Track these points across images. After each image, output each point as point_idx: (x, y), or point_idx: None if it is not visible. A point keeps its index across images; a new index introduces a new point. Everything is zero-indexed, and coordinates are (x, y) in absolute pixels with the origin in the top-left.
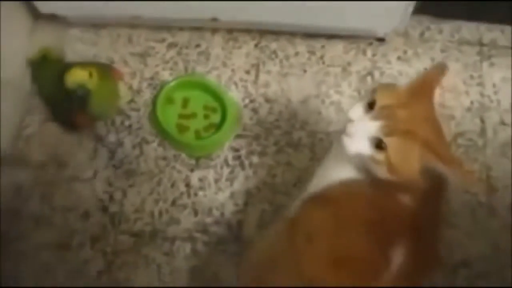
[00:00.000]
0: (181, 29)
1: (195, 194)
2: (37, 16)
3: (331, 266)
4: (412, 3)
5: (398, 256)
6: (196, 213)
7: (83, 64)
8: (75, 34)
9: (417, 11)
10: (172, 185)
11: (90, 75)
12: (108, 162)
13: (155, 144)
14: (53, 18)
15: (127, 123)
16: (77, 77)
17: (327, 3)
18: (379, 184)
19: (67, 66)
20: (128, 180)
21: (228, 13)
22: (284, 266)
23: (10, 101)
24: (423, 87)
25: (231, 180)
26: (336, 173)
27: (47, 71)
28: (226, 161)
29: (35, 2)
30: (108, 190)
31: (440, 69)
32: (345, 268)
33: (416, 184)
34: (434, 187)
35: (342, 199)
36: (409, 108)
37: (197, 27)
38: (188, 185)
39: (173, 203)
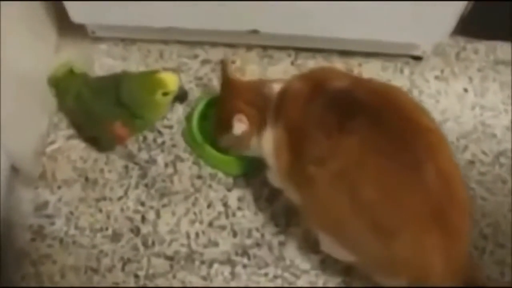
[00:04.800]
0: (214, 45)
1: (234, 215)
2: (63, 32)
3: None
4: (456, 16)
5: None
6: (235, 234)
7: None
8: (103, 49)
9: (453, 31)
10: (209, 205)
11: None
12: (139, 180)
13: (189, 162)
14: (79, 33)
15: (159, 140)
16: (175, 80)
17: (371, 15)
18: None
19: (117, 77)
20: (162, 200)
21: (269, 25)
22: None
23: (33, 117)
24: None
25: (271, 199)
26: None
27: (75, 85)
28: (265, 180)
29: (68, 11)
30: (139, 210)
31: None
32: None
33: None
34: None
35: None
36: None
37: (230, 44)
38: (225, 205)
39: (210, 224)
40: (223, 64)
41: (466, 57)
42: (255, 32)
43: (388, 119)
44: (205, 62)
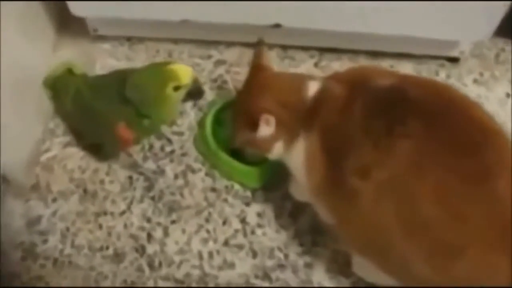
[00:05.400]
0: (229, 45)
1: (253, 232)
2: (62, 29)
3: None
4: (503, 13)
5: None
6: (254, 254)
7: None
8: (106, 49)
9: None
10: (224, 222)
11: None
12: (145, 193)
13: (202, 174)
14: (80, 31)
15: (168, 148)
16: (188, 72)
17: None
18: None
19: (121, 73)
20: (170, 216)
21: (293, 18)
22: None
23: (27, 122)
24: None
25: (295, 215)
26: None
27: (73, 84)
28: (288, 193)
29: (67, 3)
30: (145, 226)
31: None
32: None
33: None
34: None
35: None
36: None
37: (247, 43)
38: (243, 221)
39: (226, 243)
40: (259, 46)
41: (505, 59)
42: (277, 26)
43: (448, 120)
44: (219, 63)
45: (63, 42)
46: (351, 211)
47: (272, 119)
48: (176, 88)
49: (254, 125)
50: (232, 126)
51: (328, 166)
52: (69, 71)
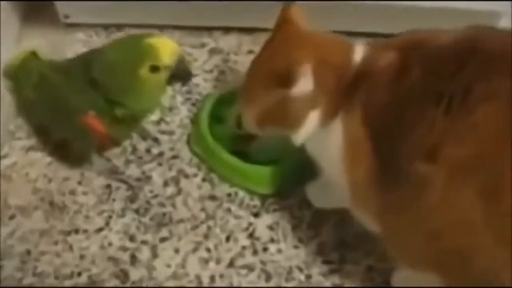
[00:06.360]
0: (226, 32)
1: (265, 250)
2: (28, 16)
3: None
4: None
5: None
6: (268, 277)
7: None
8: (80, 39)
9: None
10: (228, 237)
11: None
12: (127, 205)
13: (198, 179)
14: (49, 18)
15: (155, 150)
16: (171, 49)
17: None
18: None
19: (94, 52)
20: (160, 232)
21: None
22: None
23: None
24: None
25: (316, 226)
26: None
27: (38, 69)
28: (306, 198)
29: None
30: (128, 246)
31: None
32: None
33: None
34: None
35: None
36: None
37: (247, 28)
38: (252, 236)
39: (231, 263)
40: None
41: None
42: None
43: None
44: (214, 51)
45: (29, 32)
46: (414, 208)
47: (309, 70)
48: (154, 69)
49: (287, 81)
50: (241, 102)
51: (376, 154)
52: (33, 55)
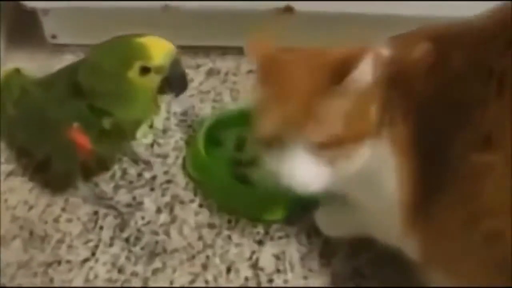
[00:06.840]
0: (223, 53)
1: (270, 281)
2: (12, 37)
3: None
4: None
5: None
6: None
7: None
8: (68, 60)
9: None
10: (229, 268)
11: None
12: (116, 234)
13: (194, 205)
14: (35, 39)
15: (147, 175)
16: (165, 48)
17: None
18: None
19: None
20: (152, 262)
21: None
22: None
23: None
24: None
25: (328, 254)
26: None
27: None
28: (314, 223)
29: None
30: (116, 278)
31: None
32: None
33: None
34: None
35: None
36: None
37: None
38: (255, 266)
39: None
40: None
41: None
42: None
43: None
44: (211, 72)
45: (14, 54)
46: (470, 207)
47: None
48: (145, 71)
49: (343, 73)
50: (262, 101)
51: (425, 157)
52: (17, 72)
